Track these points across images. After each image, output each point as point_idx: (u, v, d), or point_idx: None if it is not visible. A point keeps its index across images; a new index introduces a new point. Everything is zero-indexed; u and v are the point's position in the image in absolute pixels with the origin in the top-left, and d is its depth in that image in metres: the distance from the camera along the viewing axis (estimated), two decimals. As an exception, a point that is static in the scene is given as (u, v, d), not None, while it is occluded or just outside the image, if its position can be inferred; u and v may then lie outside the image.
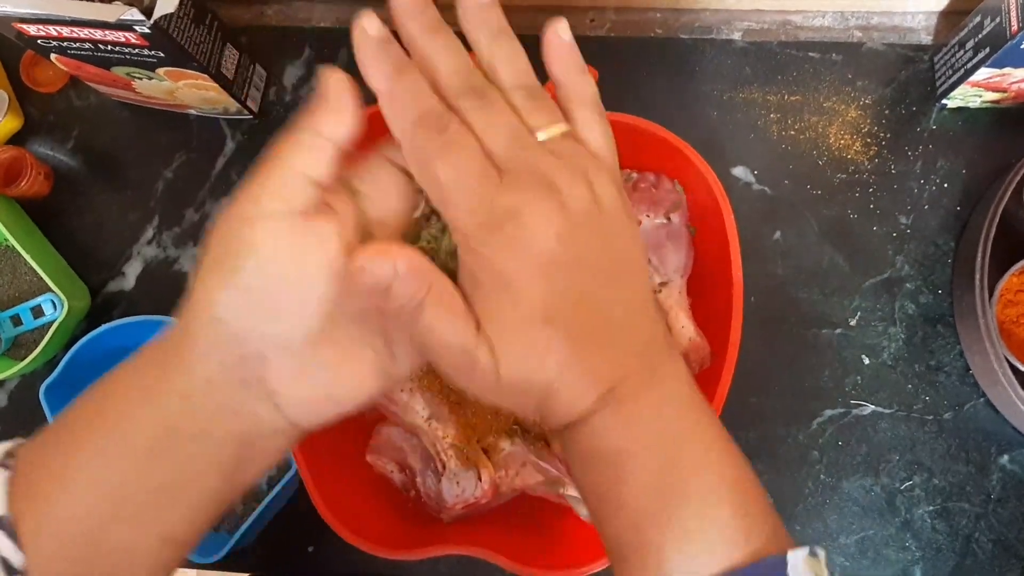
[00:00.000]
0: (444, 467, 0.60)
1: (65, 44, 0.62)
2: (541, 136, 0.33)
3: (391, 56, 0.33)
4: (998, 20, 0.61)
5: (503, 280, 0.32)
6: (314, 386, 0.33)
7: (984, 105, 0.71)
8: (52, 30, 0.60)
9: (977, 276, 0.62)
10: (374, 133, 0.36)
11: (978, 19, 0.65)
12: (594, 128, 0.35)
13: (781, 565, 0.31)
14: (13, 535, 0.32)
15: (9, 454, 0.34)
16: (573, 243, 0.32)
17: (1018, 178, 0.63)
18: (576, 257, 0.32)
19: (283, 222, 0.31)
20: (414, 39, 0.34)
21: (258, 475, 0.36)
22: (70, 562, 0.33)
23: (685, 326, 0.62)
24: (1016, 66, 0.63)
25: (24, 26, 0.60)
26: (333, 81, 0.33)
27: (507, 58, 0.35)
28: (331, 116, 0.33)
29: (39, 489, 0.33)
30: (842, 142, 0.72)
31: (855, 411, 0.68)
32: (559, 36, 0.36)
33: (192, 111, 0.77)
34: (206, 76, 0.67)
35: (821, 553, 0.33)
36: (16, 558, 0.32)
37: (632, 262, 0.35)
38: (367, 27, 0.33)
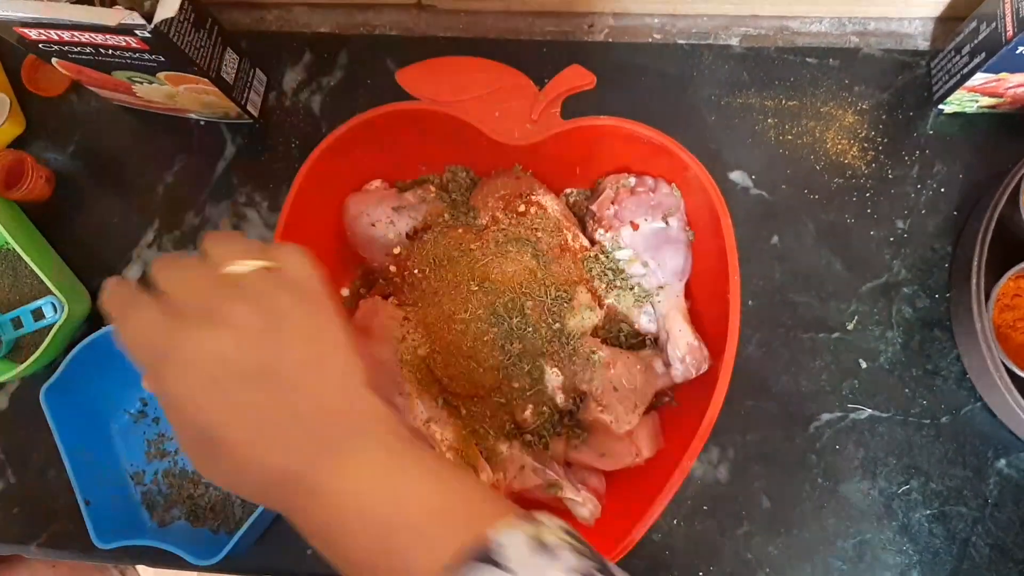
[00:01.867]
0: (442, 470, 0.60)
1: (66, 48, 0.63)
2: (233, 268, 0.39)
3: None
4: (994, 25, 0.62)
5: (171, 404, 0.38)
6: None
7: (981, 110, 0.71)
8: (53, 34, 0.60)
9: (974, 280, 0.62)
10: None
11: (974, 24, 0.65)
12: (285, 257, 0.41)
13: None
14: None
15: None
16: (230, 359, 0.37)
17: (1015, 182, 0.63)
18: (234, 371, 0.37)
19: None
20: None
21: None
22: None
23: (683, 330, 0.62)
24: (1012, 71, 0.63)
25: (25, 30, 0.60)
26: None
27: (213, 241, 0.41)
28: None
29: None
30: (839, 147, 0.73)
31: (852, 415, 0.68)
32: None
33: (192, 115, 0.77)
34: (206, 80, 0.68)
35: (542, 516, 0.37)
36: None
37: (313, 361, 0.39)
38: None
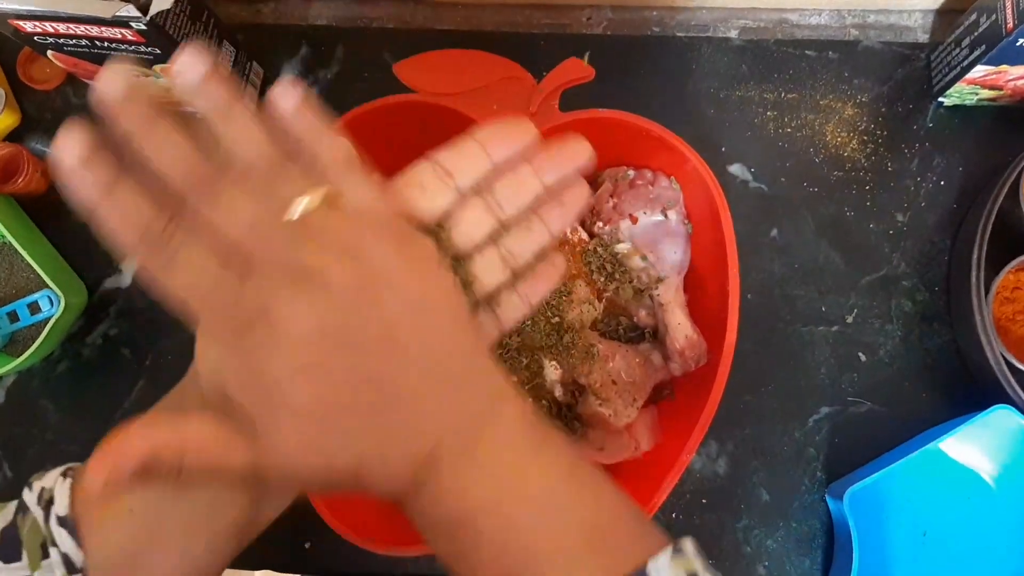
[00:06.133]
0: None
1: (61, 41, 0.62)
2: (296, 208, 0.31)
3: (95, 173, 0.30)
4: (994, 17, 0.61)
5: (263, 383, 0.30)
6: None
7: (980, 103, 0.71)
8: (48, 26, 0.60)
9: (973, 273, 0.62)
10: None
11: (974, 17, 0.65)
12: (354, 186, 0.33)
13: None
14: (75, 535, 0.34)
15: (70, 467, 0.36)
16: (336, 327, 0.30)
17: (1014, 175, 0.63)
18: (344, 340, 0.30)
19: None
20: (130, 138, 0.31)
21: (278, 511, 0.37)
22: None
23: (681, 323, 0.62)
24: (1012, 63, 0.63)
25: (20, 23, 0.60)
26: None
27: (238, 133, 0.32)
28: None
29: (90, 508, 0.35)
30: (839, 140, 0.72)
31: (852, 408, 0.68)
32: (280, 104, 0.33)
33: (189, 109, 0.77)
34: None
35: (687, 546, 0.32)
36: (77, 557, 0.34)
37: (424, 321, 0.32)
38: (64, 155, 0.30)
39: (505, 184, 0.36)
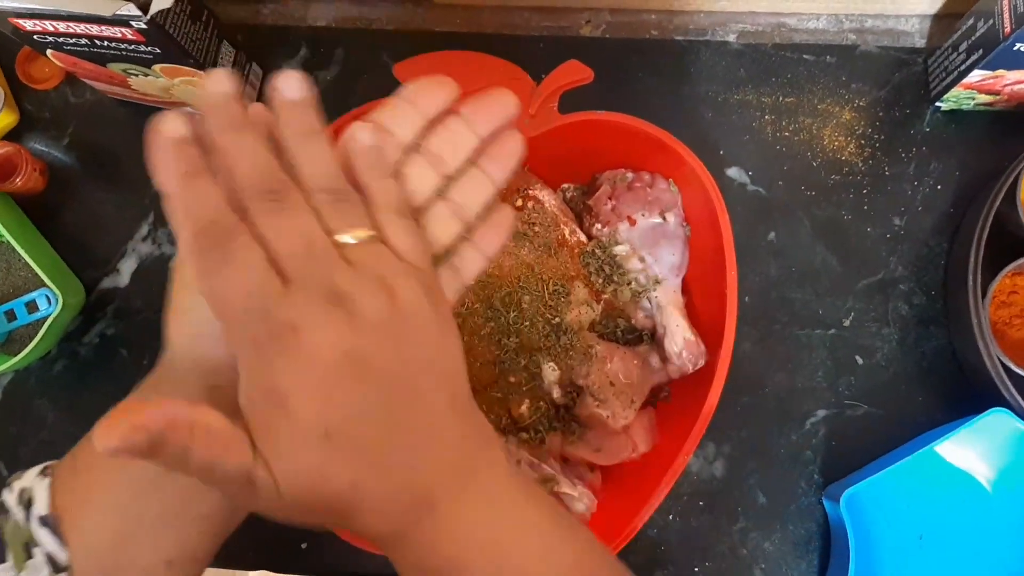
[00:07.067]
0: (438, 464, 0.60)
1: (61, 40, 0.62)
2: (343, 239, 0.32)
3: (182, 159, 0.31)
4: (991, 22, 0.62)
5: (276, 396, 0.30)
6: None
7: (977, 107, 0.71)
8: (48, 25, 0.60)
9: (970, 277, 0.62)
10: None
11: (971, 21, 0.65)
12: (399, 231, 0.34)
13: None
14: (57, 534, 0.34)
15: (47, 466, 0.37)
16: (359, 355, 0.31)
17: (1011, 179, 0.63)
18: (362, 370, 0.31)
19: None
20: (215, 135, 0.32)
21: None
22: (99, 573, 0.35)
23: (680, 325, 0.62)
24: (1009, 68, 0.63)
25: (20, 21, 0.60)
26: None
27: (312, 159, 0.34)
28: None
29: (70, 505, 0.35)
30: (836, 144, 0.73)
31: (848, 411, 0.68)
32: (356, 140, 0.35)
33: (188, 109, 0.77)
34: (202, 73, 0.67)
35: None
36: (62, 556, 0.34)
37: (435, 366, 0.34)
38: (163, 128, 0.31)
39: (441, 138, 0.37)
